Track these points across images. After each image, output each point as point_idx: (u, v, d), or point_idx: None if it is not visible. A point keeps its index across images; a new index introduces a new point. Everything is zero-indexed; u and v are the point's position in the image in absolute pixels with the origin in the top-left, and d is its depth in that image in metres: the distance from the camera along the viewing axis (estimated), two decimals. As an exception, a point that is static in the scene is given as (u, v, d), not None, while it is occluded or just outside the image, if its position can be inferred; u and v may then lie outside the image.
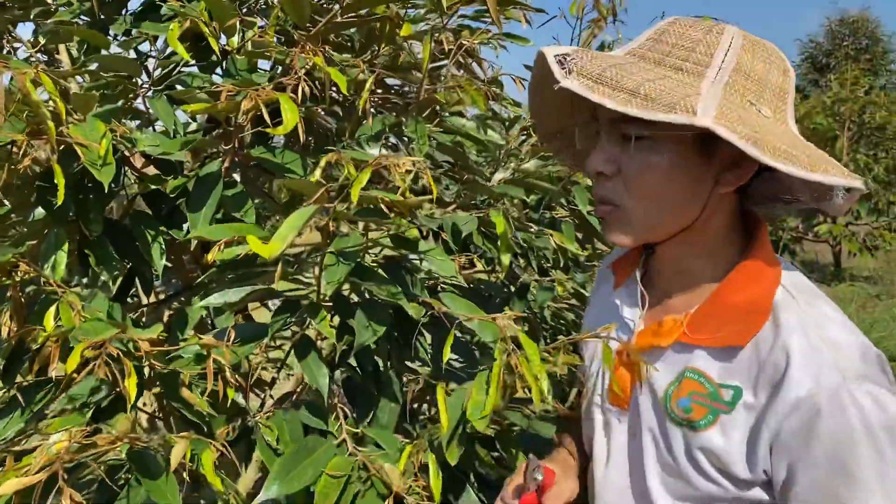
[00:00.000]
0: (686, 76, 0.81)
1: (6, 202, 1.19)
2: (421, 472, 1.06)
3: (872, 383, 0.75)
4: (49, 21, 1.31)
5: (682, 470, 0.88)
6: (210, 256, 1.01)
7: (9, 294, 1.02)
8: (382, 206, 0.96)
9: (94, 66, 1.21)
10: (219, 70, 1.29)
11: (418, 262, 1.21)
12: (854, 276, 8.96)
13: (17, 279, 1.02)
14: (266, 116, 0.99)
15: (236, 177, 1.24)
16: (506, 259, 1.24)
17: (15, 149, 0.98)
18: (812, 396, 0.75)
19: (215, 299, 1.13)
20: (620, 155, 0.85)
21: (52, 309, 0.98)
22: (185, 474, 0.96)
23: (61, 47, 1.46)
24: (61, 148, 1.02)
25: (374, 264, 1.15)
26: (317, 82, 1.11)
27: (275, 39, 1.22)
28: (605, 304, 1.06)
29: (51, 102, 1.01)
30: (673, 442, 0.89)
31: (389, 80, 1.41)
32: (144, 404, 1.47)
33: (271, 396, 1.53)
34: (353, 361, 1.27)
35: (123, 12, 1.34)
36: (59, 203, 0.98)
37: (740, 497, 0.84)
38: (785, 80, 0.86)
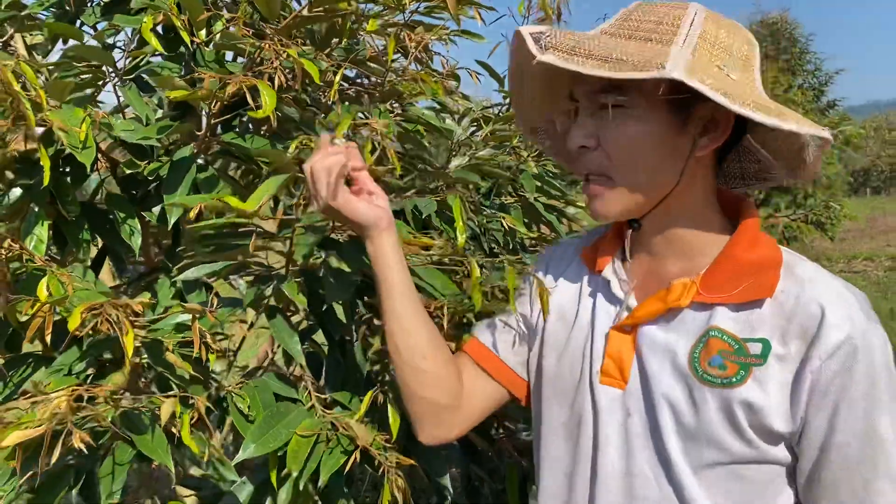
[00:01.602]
0: (655, 45, 0.86)
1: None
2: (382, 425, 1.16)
3: (879, 324, 0.86)
4: (22, 13, 1.35)
5: (712, 432, 0.88)
6: (192, 212, 1.07)
7: (-4, 268, 1.08)
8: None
9: (69, 56, 1.26)
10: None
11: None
12: (774, 267, 9.35)
13: (3, 255, 1.07)
14: (251, 100, 1.07)
15: (200, 162, 1.31)
16: (461, 239, 1.34)
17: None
18: (851, 339, 0.82)
19: (192, 273, 1.20)
20: (600, 127, 0.90)
21: (44, 281, 1.03)
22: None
23: (17, 36, 1.50)
24: (41, 133, 1.08)
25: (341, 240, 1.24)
26: (286, 73, 1.20)
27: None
28: (584, 288, 1.06)
29: (31, 91, 1.07)
30: (702, 405, 0.89)
31: (348, 72, 1.49)
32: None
33: (236, 366, 1.60)
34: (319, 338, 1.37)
35: (90, 4, 1.39)
36: (46, 183, 1.04)
37: (764, 457, 0.88)
38: (750, 50, 0.91)
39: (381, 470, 1.11)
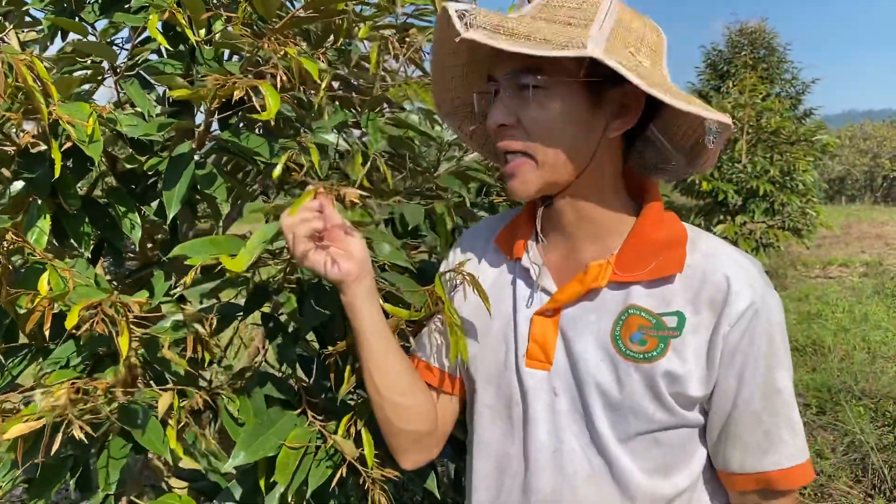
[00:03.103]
0: (575, 28, 0.89)
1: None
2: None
3: (772, 286, 0.95)
4: (21, 10, 1.36)
5: (637, 404, 0.94)
6: (189, 277, 1.09)
7: (-3, 261, 1.09)
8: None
9: (69, 51, 1.27)
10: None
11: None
12: (751, 272, 9.46)
13: (5, 248, 1.09)
14: (254, 100, 1.09)
15: (198, 158, 1.33)
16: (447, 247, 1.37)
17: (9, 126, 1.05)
18: (752, 304, 0.91)
19: (196, 291, 1.20)
20: (519, 106, 0.93)
21: (45, 275, 1.05)
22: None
23: (11, 32, 1.51)
24: (49, 126, 1.09)
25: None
26: (285, 72, 1.22)
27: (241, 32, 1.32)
28: (503, 276, 1.10)
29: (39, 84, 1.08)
30: (626, 379, 0.94)
31: (342, 73, 1.52)
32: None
33: (223, 368, 1.61)
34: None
35: (90, 2, 1.40)
36: (57, 175, 1.05)
37: (682, 422, 0.95)
38: (659, 40, 0.97)
39: (365, 484, 1.12)
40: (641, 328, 0.94)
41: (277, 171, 1.22)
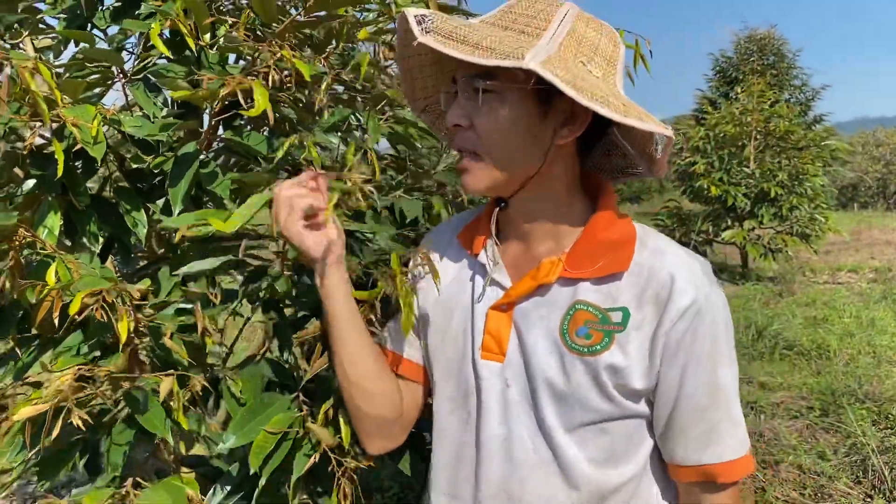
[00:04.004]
0: (527, 37, 0.93)
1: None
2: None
3: (719, 286, 0.98)
4: (36, 17, 1.42)
5: (582, 395, 0.98)
6: (179, 235, 1.16)
7: (10, 255, 1.14)
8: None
9: (78, 57, 1.34)
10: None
11: (371, 236, 1.40)
12: (760, 277, 9.48)
13: (17, 243, 1.14)
14: (242, 100, 1.14)
15: (203, 158, 1.39)
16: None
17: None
18: (695, 302, 0.94)
19: (193, 267, 1.27)
20: (473, 108, 0.97)
21: (53, 267, 1.11)
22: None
23: (27, 39, 1.57)
24: (55, 128, 1.16)
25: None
26: (283, 73, 1.27)
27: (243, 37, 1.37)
28: (463, 271, 1.13)
29: (45, 89, 1.14)
30: (572, 371, 0.98)
31: (343, 77, 1.57)
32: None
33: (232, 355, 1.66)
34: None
35: (101, 8, 1.46)
36: (60, 174, 1.11)
37: (628, 412, 0.99)
38: (615, 51, 0.99)
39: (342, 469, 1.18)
40: (587, 322, 0.97)
41: (279, 155, 1.27)
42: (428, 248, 1.18)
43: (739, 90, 11.45)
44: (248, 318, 1.43)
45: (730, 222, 9.69)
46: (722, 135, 9.76)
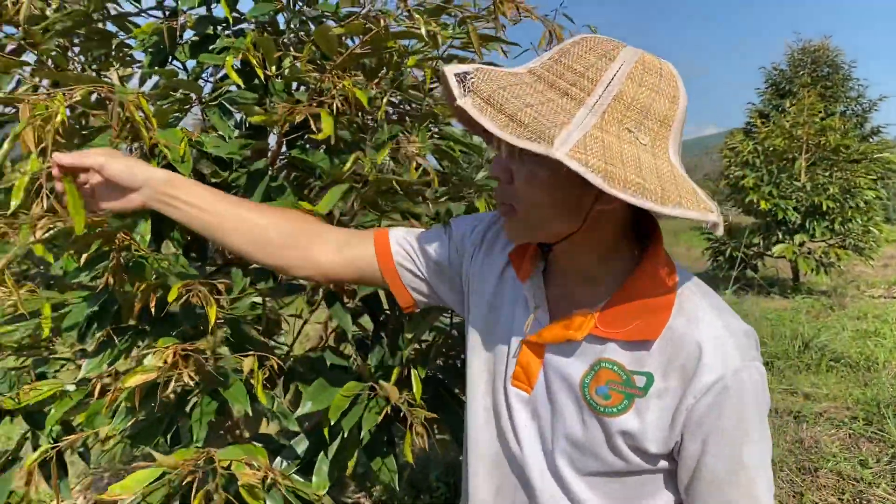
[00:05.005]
0: (568, 101, 0.86)
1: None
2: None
3: (756, 360, 0.92)
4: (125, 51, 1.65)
5: (596, 450, 0.97)
6: None
7: (112, 256, 1.35)
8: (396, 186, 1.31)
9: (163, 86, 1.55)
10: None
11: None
12: (811, 291, 9.41)
13: (118, 245, 1.35)
14: (312, 124, 1.34)
15: (271, 173, 1.59)
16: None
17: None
18: (722, 378, 0.89)
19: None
20: (513, 164, 0.94)
21: (149, 265, 1.30)
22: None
23: (111, 69, 1.80)
24: (149, 149, 1.36)
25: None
26: (342, 100, 1.46)
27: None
28: (507, 287, 1.12)
29: (141, 115, 1.35)
30: (590, 427, 0.97)
31: (393, 99, 1.76)
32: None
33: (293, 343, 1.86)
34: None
35: (181, 43, 1.68)
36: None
37: (642, 468, 0.97)
38: (671, 108, 0.89)
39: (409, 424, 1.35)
40: (609, 382, 0.95)
41: (348, 167, 1.45)
42: (486, 234, 1.19)
43: (789, 103, 11.39)
44: (306, 320, 1.62)
45: (780, 236, 9.64)
46: (771, 148, 9.74)
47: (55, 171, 1.10)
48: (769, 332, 6.28)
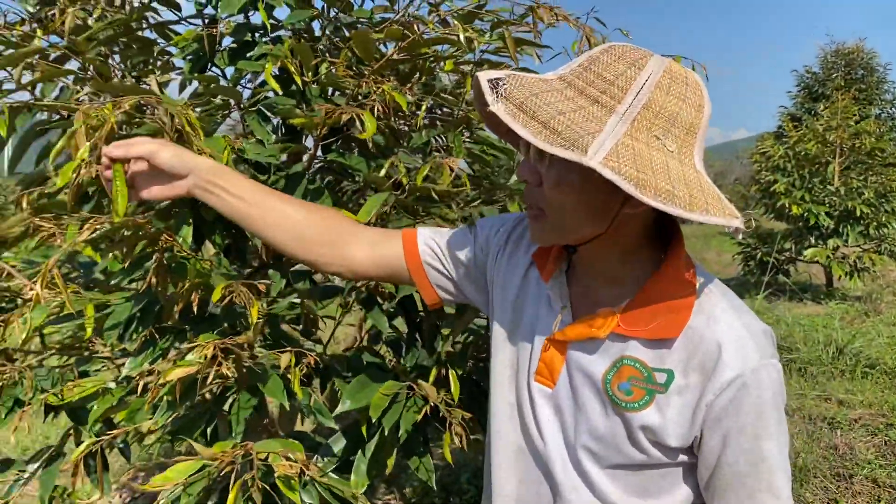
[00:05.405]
0: (599, 109, 0.88)
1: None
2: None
3: (773, 358, 0.95)
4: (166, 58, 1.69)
5: (618, 444, 0.99)
6: None
7: (155, 258, 1.39)
8: (433, 193, 1.34)
9: (201, 92, 1.59)
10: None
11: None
12: (845, 296, 9.28)
13: (161, 247, 1.38)
14: (358, 124, 1.37)
15: (309, 176, 1.62)
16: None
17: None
18: (741, 376, 0.91)
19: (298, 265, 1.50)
20: (542, 167, 0.95)
21: (191, 266, 1.34)
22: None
23: (151, 76, 1.85)
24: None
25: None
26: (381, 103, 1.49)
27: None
28: (539, 292, 1.13)
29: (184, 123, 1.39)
30: (612, 421, 0.99)
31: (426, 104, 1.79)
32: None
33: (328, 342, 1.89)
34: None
35: (220, 50, 1.72)
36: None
37: (663, 461, 0.99)
38: (697, 116, 0.91)
39: (447, 423, 1.38)
40: (631, 379, 0.98)
41: (382, 172, 1.48)
42: (510, 234, 1.21)
43: (822, 107, 11.25)
44: (339, 322, 1.65)
45: (812, 241, 9.52)
46: (803, 153, 9.63)
47: (105, 161, 1.15)
48: (802, 338, 6.20)
